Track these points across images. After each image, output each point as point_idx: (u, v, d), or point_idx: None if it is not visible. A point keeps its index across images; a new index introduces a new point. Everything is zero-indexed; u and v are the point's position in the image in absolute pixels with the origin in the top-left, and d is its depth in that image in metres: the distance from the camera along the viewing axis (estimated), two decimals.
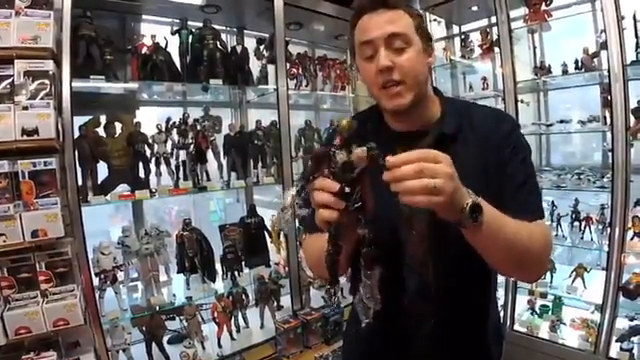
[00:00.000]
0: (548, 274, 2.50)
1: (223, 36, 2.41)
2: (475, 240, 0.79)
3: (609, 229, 2.16)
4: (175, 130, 2.14)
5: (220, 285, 2.24)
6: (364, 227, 0.73)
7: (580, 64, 2.37)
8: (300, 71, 2.69)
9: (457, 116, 0.97)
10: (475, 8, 2.78)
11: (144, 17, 2.37)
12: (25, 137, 1.45)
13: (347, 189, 0.70)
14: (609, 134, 2.19)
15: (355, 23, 0.95)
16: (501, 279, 2.13)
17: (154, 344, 1.95)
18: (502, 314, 2.47)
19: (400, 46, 0.89)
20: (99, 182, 1.92)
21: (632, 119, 2.06)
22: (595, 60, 2.30)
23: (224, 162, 2.31)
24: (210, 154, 2.24)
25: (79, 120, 1.80)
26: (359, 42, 0.93)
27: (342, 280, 2.57)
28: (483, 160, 0.93)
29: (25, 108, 1.46)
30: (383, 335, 1.00)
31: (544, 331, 2.41)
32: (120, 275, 1.96)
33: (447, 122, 0.96)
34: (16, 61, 1.48)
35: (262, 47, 2.50)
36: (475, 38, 2.88)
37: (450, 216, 0.74)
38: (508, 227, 0.80)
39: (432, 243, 0.92)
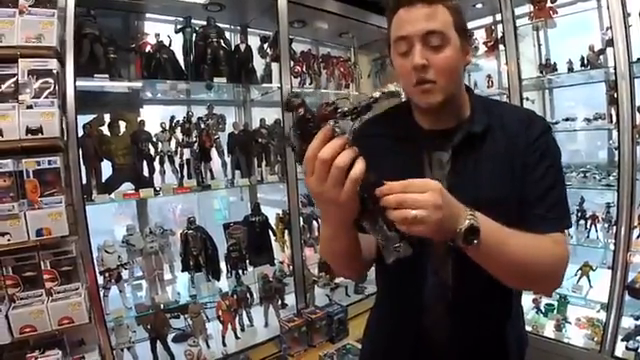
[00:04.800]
0: None
1: (227, 34, 2.40)
2: (475, 258, 0.78)
3: (615, 227, 2.14)
4: (179, 128, 2.14)
5: (224, 283, 2.24)
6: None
7: (586, 61, 2.34)
8: (304, 69, 2.68)
9: (486, 115, 0.95)
10: (480, 5, 2.76)
11: (148, 16, 2.36)
12: (29, 136, 1.46)
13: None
14: (615, 132, 2.16)
15: (391, 17, 0.91)
16: None
17: (158, 342, 1.96)
18: None
19: (437, 44, 0.86)
20: (103, 181, 1.92)
21: (638, 117, 2.04)
22: (601, 57, 2.28)
23: (228, 160, 2.32)
24: (214, 152, 2.25)
25: (83, 119, 1.81)
26: (395, 37, 0.90)
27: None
28: (510, 162, 0.90)
29: (29, 107, 1.47)
30: (401, 332, 1.01)
31: (549, 330, 2.39)
32: (124, 273, 1.98)
33: (476, 121, 0.94)
34: (20, 60, 1.49)
35: (266, 45, 2.50)
36: (480, 36, 2.86)
37: (441, 239, 0.74)
38: (511, 245, 0.79)
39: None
